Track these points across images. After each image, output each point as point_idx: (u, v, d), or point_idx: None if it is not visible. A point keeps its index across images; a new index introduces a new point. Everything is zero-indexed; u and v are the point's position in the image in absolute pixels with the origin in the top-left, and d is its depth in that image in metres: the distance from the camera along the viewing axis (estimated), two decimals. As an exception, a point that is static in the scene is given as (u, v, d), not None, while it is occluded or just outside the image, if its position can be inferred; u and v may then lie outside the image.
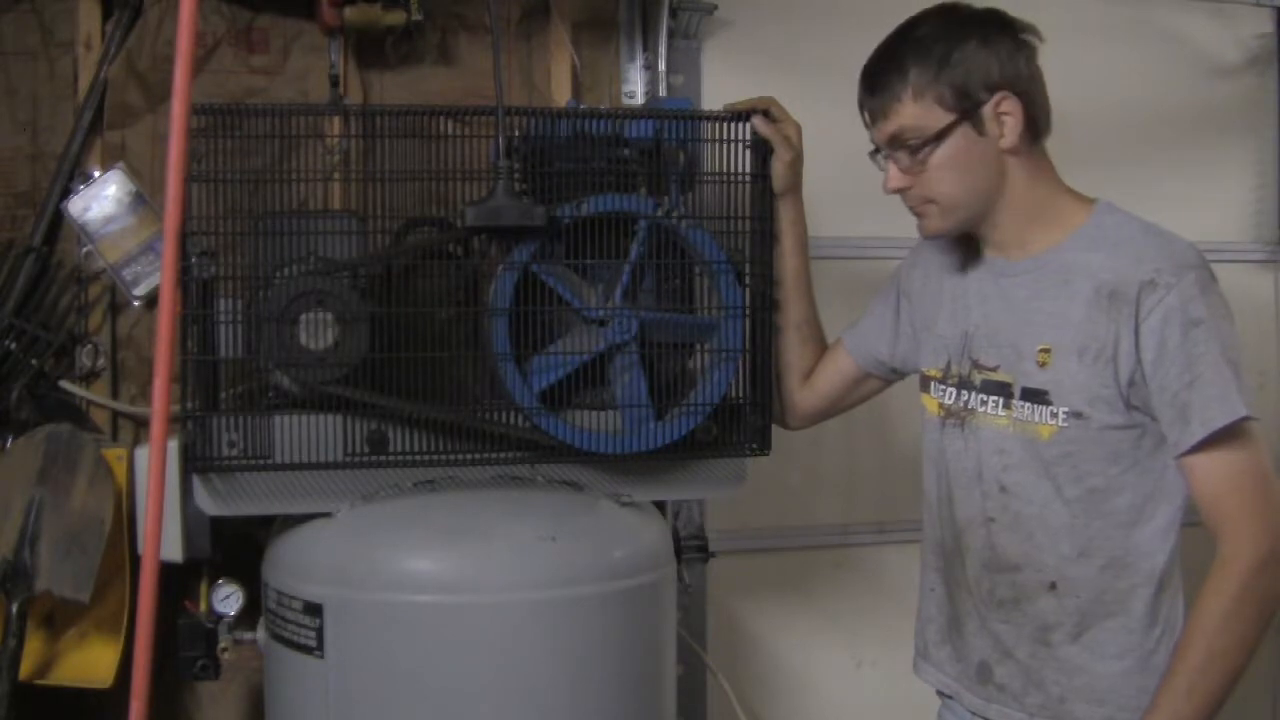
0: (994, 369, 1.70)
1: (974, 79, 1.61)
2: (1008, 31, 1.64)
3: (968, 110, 1.61)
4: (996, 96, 1.61)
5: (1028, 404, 1.65)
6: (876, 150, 1.72)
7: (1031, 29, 1.66)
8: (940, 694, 1.85)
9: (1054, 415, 1.62)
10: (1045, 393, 1.63)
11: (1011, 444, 1.67)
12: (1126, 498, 1.62)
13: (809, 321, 1.95)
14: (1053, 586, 1.65)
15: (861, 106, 1.71)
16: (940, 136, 1.62)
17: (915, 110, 1.63)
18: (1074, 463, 1.62)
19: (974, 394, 1.72)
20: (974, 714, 1.76)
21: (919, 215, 1.71)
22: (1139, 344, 1.56)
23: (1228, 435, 1.54)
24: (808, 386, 1.96)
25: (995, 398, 1.69)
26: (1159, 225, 1.65)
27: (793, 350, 1.94)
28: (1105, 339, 1.58)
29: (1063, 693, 1.66)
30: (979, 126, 1.62)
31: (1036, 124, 1.65)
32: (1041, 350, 1.64)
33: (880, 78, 1.66)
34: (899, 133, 1.65)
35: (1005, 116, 1.62)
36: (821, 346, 1.98)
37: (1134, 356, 1.56)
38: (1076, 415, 1.61)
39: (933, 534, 1.83)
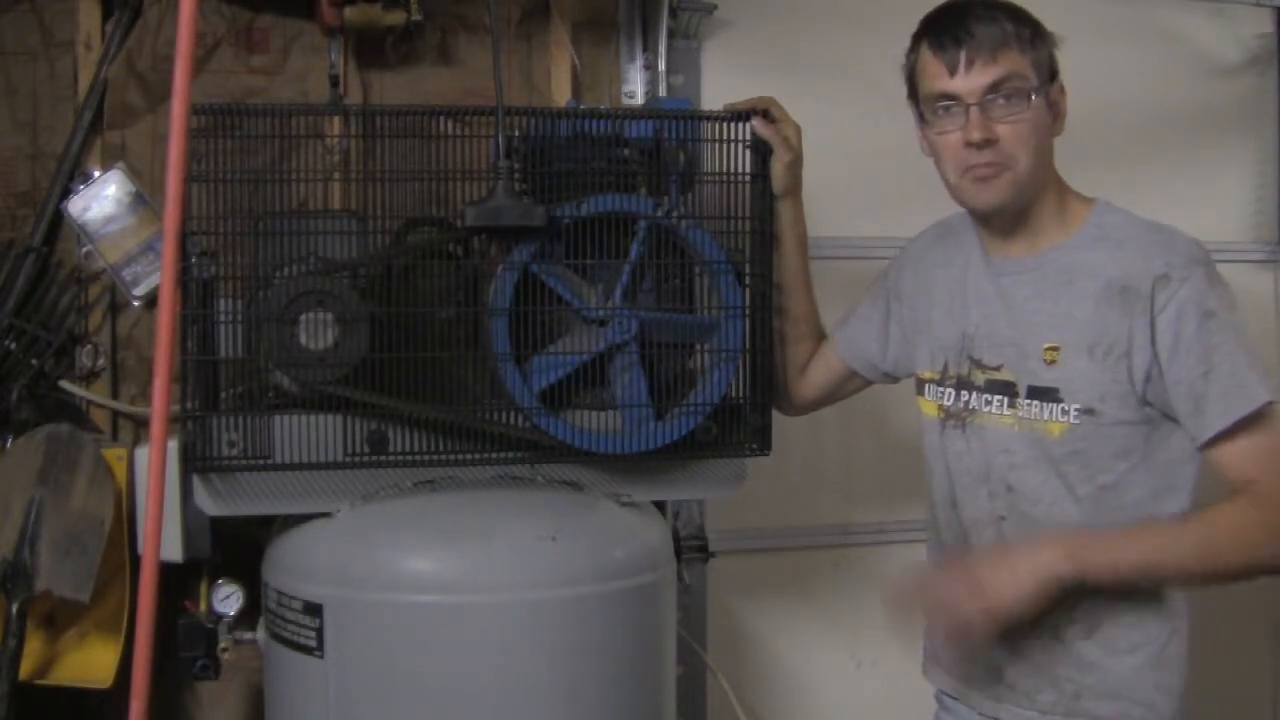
0: (997, 368, 1.70)
1: (1050, 59, 1.64)
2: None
3: (1044, 84, 1.63)
4: (1058, 83, 1.65)
5: (1036, 402, 1.65)
6: (943, 100, 1.63)
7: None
8: (945, 696, 1.85)
9: (1065, 413, 1.63)
10: (1055, 390, 1.63)
11: (1017, 443, 1.67)
12: (1135, 494, 1.62)
13: (807, 319, 1.96)
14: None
15: (949, 54, 1.61)
16: (1036, 94, 1.61)
17: (1024, 60, 1.61)
18: (1085, 460, 1.63)
19: (975, 394, 1.72)
20: (982, 715, 1.76)
21: (982, 179, 1.63)
22: (1154, 338, 1.57)
23: (1253, 421, 1.55)
24: (804, 379, 1.99)
25: (999, 397, 1.69)
26: (1158, 221, 1.66)
27: (790, 346, 1.96)
28: (1118, 335, 1.58)
29: (1077, 689, 1.66)
30: (1050, 103, 1.64)
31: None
32: (1049, 349, 1.64)
33: (985, 23, 1.61)
34: (1006, 77, 1.60)
35: (1059, 105, 1.65)
36: (817, 340, 2.00)
37: (1149, 351, 1.57)
38: (1088, 412, 1.61)
39: (935, 536, 1.83)
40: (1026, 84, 1.60)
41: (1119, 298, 1.59)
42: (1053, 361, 1.63)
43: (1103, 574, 1.55)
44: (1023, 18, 1.64)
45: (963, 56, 1.61)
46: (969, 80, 1.61)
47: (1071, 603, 1.65)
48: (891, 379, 1.95)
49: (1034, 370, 1.65)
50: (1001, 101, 1.60)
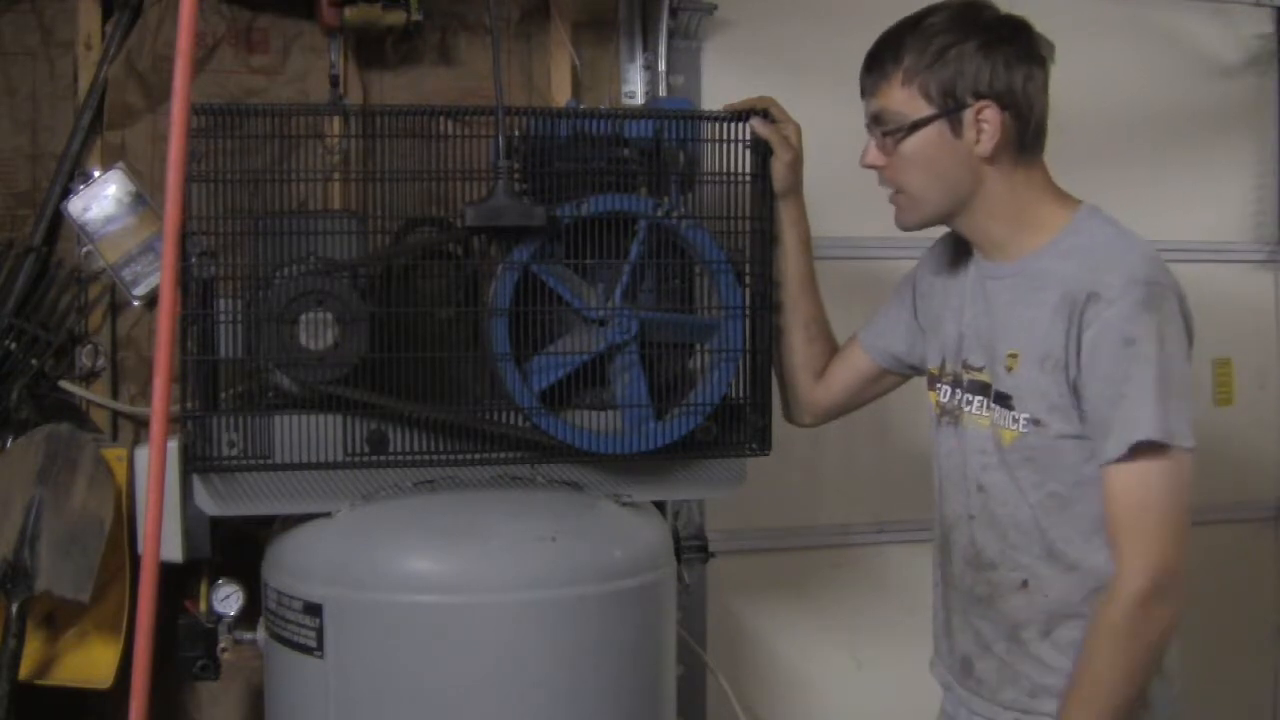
0: (980, 369, 1.71)
1: (963, 81, 1.61)
2: (1014, 43, 1.63)
3: (949, 109, 1.62)
4: (979, 104, 1.61)
5: (998, 407, 1.66)
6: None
7: (1046, 47, 1.66)
8: (943, 686, 1.86)
9: (1015, 420, 1.63)
10: (1010, 398, 1.64)
11: (989, 444, 1.68)
12: (1086, 506, 1.60)
13: (816, 320, 1.95)
14: (1024, 585, 1.66)
15: (861, 79, 1.71)
16: (914, 128, 1.63)
17: (900, 95, 1.64)
18: (1034, 468, 1.63)
19: (963, 393, 1.73)
20: (962, 705, 1.77)
21: (894, 204, 1.72)
22: (1080, 353, 1.56)
23: (1145, 458, 1.51)
24: (822, 384, 1.97)
25: (979, 398, 1.70)
26: (1129, 234, 1.63)
27: (802, 349, 1.94)
28: (1059, 347, 1.58)
29: (1033, 688, 1.67)
30: (956, 128, 1.62)
31: (1023, 139, 1.64)
32: (1009, 355, 1.64)
33: (878, 56, 1.67)
34: (880, 113, 1.66)
35: (984, 125, 1.62)
36: (830, 343, 1.98)
37: (1076, 365, 1.56)
38: (1035, 422, 1.61)
39: (933, 532, 1.85)
40: (898, 120, 1.64)
41: (1066, 309, 1.58)
42: (1011, 369, 1.64)
43: None
44: (932, 40, 1.62)
45: (862, 84, 1.70)
46: (866, 107, 1.70)
47: (1030, 605, 1.66)
48: (918, 372, 1.95)
49: (999, 375, 1.66)
50: (882, 133, 1.67)
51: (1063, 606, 1.64)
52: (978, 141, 1.62)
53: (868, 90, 1.68)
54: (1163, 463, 1.52)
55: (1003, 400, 1.65)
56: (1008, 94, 1.61)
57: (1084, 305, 1.55)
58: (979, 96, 1.61)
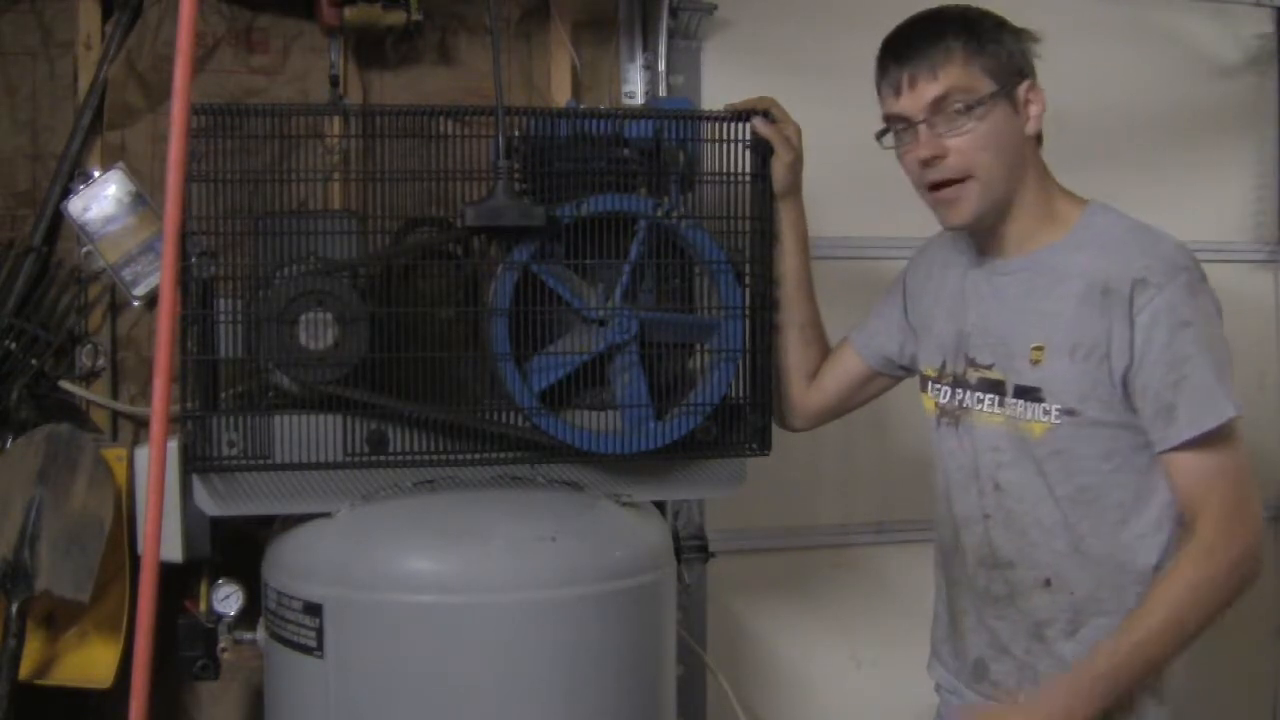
0: (989, 367, 1.70)
1: (1013, 59, 1.63)
2: (1022, 33, 1.67)
3: (1007, 87, 1.62)
4: (1028, 81, 1.64)
5: (1021, 402, 1.66)
6: (886, 130, 1.70)
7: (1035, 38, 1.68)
8: (942, 690, 1.86)
9: (1046, 413, 1.63)
10: (1038, 390, 1.64)
11: (1005, 442, 1.68)
12: (1117, 495, 1.62)
13: (811, 323, 1.95)
14: (1047, 583, 1.66)
15: (893, 75, 1.65)
16: (988, 101, 1.61)
17: (966, 73, 1.61)
18: (1064, 460, 1.63)
19: (969, 393, 1.73)
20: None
21: (947, 201, 1.66)
22: (1132, 340, 1.57)
23: (1216, 437, 1.56)
24: (814, 387, 1.96)
25: (990, 396, 1.70)
26: (1148, 224, 1.66)
27: (796, 352, 1.94)
28: (1098, 336, 1.59)
29: None
30: (1015, 104, 1.64)
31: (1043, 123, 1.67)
32: (1034, 348, 1.64)
33: (925, 41, 1.63)
34: (946, 94, 1.61)
35: (1032, 104, 1.64)
36: (824, 347, 1.98)
37: (1128, 353, 1.57)
38: (1069, 413, 1.61)
39: (937, 533, 1.84)
40: (971, 97, 1.61)
41: (1100, 299, 1.59)
42: (1037, 361, 1.64)
43: (1109, 701, 1.57)
44: (974, 23, 1.63)
45: (905, 77, 1.63)
46: (913, 99, 1.63)
47: (1053, 603, 1.66)
48: (907, 373, 1.95)
49: (1020, 370, 1.66)
50: (943, 117, 1.62)
51: (1090, 604, 1.65)
52: (1028, 119, 1.64)
53: (918, 77, 1.62)
54: (1230, 438, 1.57)
55: (1028, 394, 1.65)
56: (1035, 75, 1.65)
57: (1131, 293, 1.56)
58: (1023, 75, 1.64)
